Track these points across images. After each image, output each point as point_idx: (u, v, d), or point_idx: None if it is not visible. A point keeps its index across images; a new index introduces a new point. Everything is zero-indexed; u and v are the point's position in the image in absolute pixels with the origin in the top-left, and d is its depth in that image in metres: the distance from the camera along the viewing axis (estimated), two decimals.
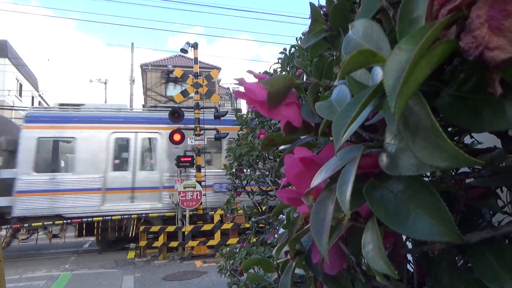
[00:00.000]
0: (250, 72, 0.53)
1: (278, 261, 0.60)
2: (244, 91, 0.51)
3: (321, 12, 0.51)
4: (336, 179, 0.31)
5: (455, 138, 0.54)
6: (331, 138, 0.52)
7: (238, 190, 3.06)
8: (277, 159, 2.50)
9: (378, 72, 0.32)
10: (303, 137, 0.59)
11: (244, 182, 3.10)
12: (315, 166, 0.43)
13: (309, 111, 0.48)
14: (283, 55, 2.88)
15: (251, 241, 2.92)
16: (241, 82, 0.49)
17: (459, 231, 0.25)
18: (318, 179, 0.33)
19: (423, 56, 0.21)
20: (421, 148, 0.23)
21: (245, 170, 2.97)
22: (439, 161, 0.22)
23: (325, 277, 0.51)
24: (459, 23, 0.24)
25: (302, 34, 2.84)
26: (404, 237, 0.52)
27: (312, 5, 0.51)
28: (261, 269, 1.49)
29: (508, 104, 0.22)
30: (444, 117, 0.26)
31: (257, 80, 0.52)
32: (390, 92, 0.22)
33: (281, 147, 0.68)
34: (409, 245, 0.52)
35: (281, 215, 2.57)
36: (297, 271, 0.61)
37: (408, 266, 0.58)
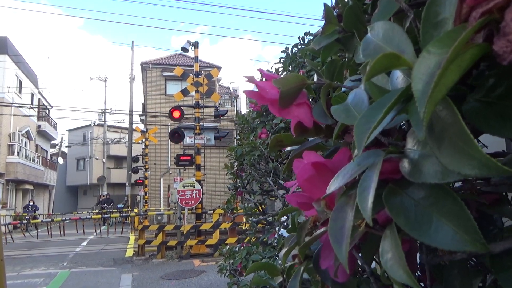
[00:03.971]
0: (260, 70, 0.53)
1: (285, 265, 0.60)
2: (253, 90, 0.50)
3: (335, 13, 0.50)
4: (353, 185, 0.30)
5: None
6: (341, 141, 0.51)
7: (239, 190, 3.06)
8: (279, 159, 2.49)
9: (398, 76, 0.31)
10: (312, 138, 0.58)
11: (245, 182, 3.09)
12: (328, 171, 0.42)
13: (321, 112, 0.47)
14: (285, 54, 2.87)
15: (251, 240, 2.92)
16: (252, 80, 0.48)
17: (484, 240, 0.24)
18: (334, 184, 0.32)
19: (453, 60, 0.20)
20: (448, 155, 0.22)
21: (246, 170, 2.96)
22: (468, 169, 0.21)
23: (333, 282, 0.51)
24: (487, 27, 0.23)
25: (305, 33, 2.83)
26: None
27: (326, 6, 0.50)
28: (263, 271, 1.48)
29: None
30: (471, 122, 0.25)
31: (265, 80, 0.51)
32: (420, 96, 0.21)
33: (288, 148, 0.67)
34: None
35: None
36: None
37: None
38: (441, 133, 0.23)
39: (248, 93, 0.49)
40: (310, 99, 0.64)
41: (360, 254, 0.48)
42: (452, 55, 0.20)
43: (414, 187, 0.28)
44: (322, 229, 0.43)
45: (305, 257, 0.55)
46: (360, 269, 0.59)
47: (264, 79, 0.52)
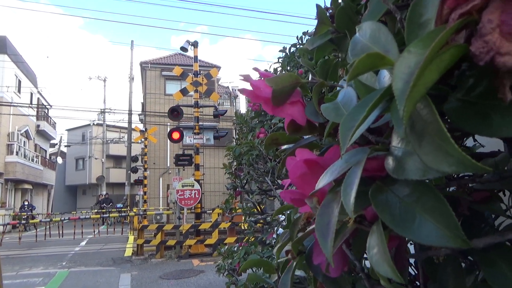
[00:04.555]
0: (255, 69, 0.53)
1: (278, 261, 0.60)
2: (250, 88, 0.50)
3: (327, 14, 0.51)
4: (341, 181, 0.31)
5: (458, 142, 0.54)
6: (336, 139, 0.52)
7: (237, 189, 3.06)
8: (277, 159, 2.50)
9: (385, 75, 0.32)
10: (307, 137, 0.58)
11: (244, 182, 3.10)
12: (319, 168, 0.43)
13: (314, 110, 0.47)
14: (284, 53, 2.88)
15: (250, 240, 2.92)
16: (247, 78, 0.49)
17: (465, 236, 0.25)
18: (323, 181, 0.33)
19: (432, 60, 0.21)
20: (428, 152, 0.23)
21: (244, 169, 2.97)
22: (445, 166, 0.22)
23: (325, 278, 0.51)
24: (469, 28, 0.24)
25: (303, 33, 2.84)
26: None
27: (318, 7, 0.50)
28: (260, 269, 1.49)
29: None
30: (452, 121, 0.26)
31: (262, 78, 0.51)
32: (399, 95, 0.21)
33: (284, 147, 0.68)
34: (410, 248, 0.52)
35: (280, 215, 2.57)
36: (298, 272, 0.61)
37: (410, 270, 0.58)
38: (422, 131, 0.23)
39: (243, 91, 0.50)
40: (308, 99, 0.64)
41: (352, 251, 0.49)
42: (430, 55, 0.20)
43: (399, 184, 0.29)
44: (314, 225, 0.44)
45: (298, 253, 0.55)
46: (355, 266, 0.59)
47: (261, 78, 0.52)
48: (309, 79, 0.63)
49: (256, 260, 0.78)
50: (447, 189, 0.51)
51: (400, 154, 0.27)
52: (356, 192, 0.26)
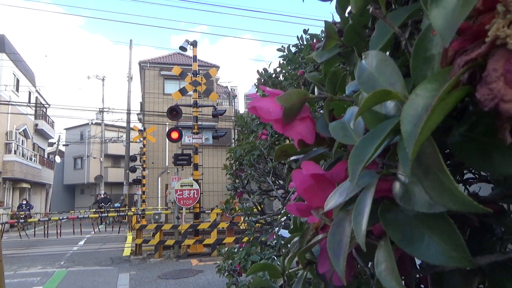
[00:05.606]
0: (262, 88, 0.54)
1: (290, 270, 0.61)
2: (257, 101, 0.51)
3: (335, 29, 0.52)
4: (351, 200, 0.32)
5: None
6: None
7: (238, 190, 3.07)
8: (280, 161, 2.52)
9: (391, 102, 0.33)
10: (316, 148, 0.59)
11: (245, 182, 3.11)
12: (326, 181, 0.44)
13: (325, 124, 0.48)
14: (283, 53, 2.89)
15: (250, 241, 2.93)
16: (254, 101, 0.50)
17: (471, 257, 0.26)
18: (332, 202, 0.34)
19: (438, 105, 0.22)
20: (433, 188, 0.24)
21: (245, 170, 2.98)
22: (451, 204, 0.23)
23: (332, 286, 0.52)
24: (472, 68, 0.25)
25: (303, 31, 2.84)
26: None
27: (326, 22, 0.52)
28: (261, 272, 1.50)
29: None
30: (455, 155, 0.27)
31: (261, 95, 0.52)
32: (407, 137, 0.23)
33: (292, 158, 0.68)
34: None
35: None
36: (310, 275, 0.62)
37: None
38: (427, 168, 0.25)
39: (252, 110, 0.51)
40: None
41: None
42: (437, 102, 0.21)
43: None
44: (321, 236, 0.45)
45: (309, 263, 0.56)
46: (359, 272, 0.60)
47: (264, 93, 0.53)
48: (316, 93, 0.64)
49: (262, 265, 0.78)
50: None
51: (406, 181, 0.29)
52: (367, 221, 0.28)
